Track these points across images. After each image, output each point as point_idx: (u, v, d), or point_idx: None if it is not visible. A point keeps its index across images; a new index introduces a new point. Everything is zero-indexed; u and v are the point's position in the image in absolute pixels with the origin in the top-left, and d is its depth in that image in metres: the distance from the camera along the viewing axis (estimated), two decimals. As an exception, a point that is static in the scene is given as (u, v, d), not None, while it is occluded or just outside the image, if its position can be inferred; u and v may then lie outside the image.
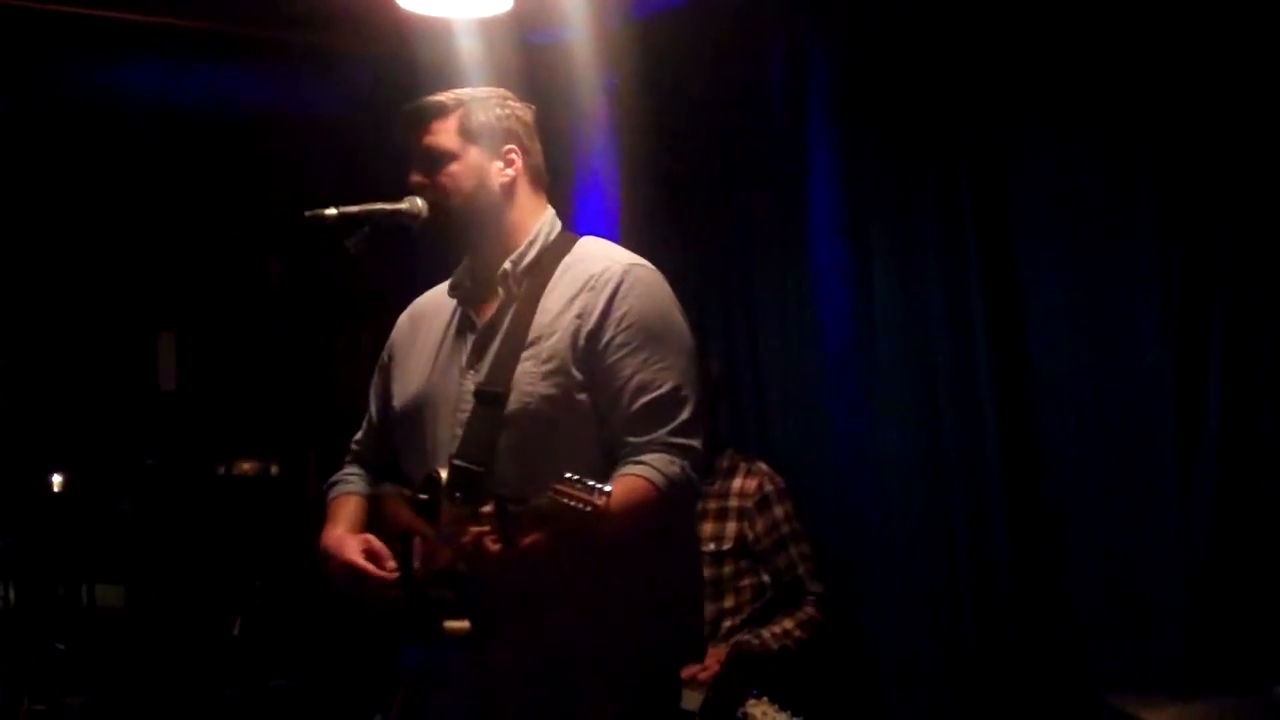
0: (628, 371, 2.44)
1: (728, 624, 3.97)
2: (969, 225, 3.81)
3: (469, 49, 4.04)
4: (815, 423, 4.30)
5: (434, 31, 4.19)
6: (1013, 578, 3.72)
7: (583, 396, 2.46)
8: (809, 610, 3.98)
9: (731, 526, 4.01)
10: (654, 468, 2.37)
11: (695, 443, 2.44)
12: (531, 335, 2.50)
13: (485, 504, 2.25)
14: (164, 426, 7.51)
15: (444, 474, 2.44)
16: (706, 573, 3.94)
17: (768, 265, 4.48)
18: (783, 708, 3.52)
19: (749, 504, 4.01)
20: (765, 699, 3.53)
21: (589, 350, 2.46)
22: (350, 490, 2.73)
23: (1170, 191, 3.34)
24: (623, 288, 2.48)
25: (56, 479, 7.64)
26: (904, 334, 4.00)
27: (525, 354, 2.48)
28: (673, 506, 2.41)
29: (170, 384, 7.78)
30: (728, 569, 4.00)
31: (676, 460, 2.39)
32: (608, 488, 2.10)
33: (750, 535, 4.00)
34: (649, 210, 4.66)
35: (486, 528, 2.24)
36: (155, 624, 6.79)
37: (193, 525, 6.95)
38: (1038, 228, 3.67)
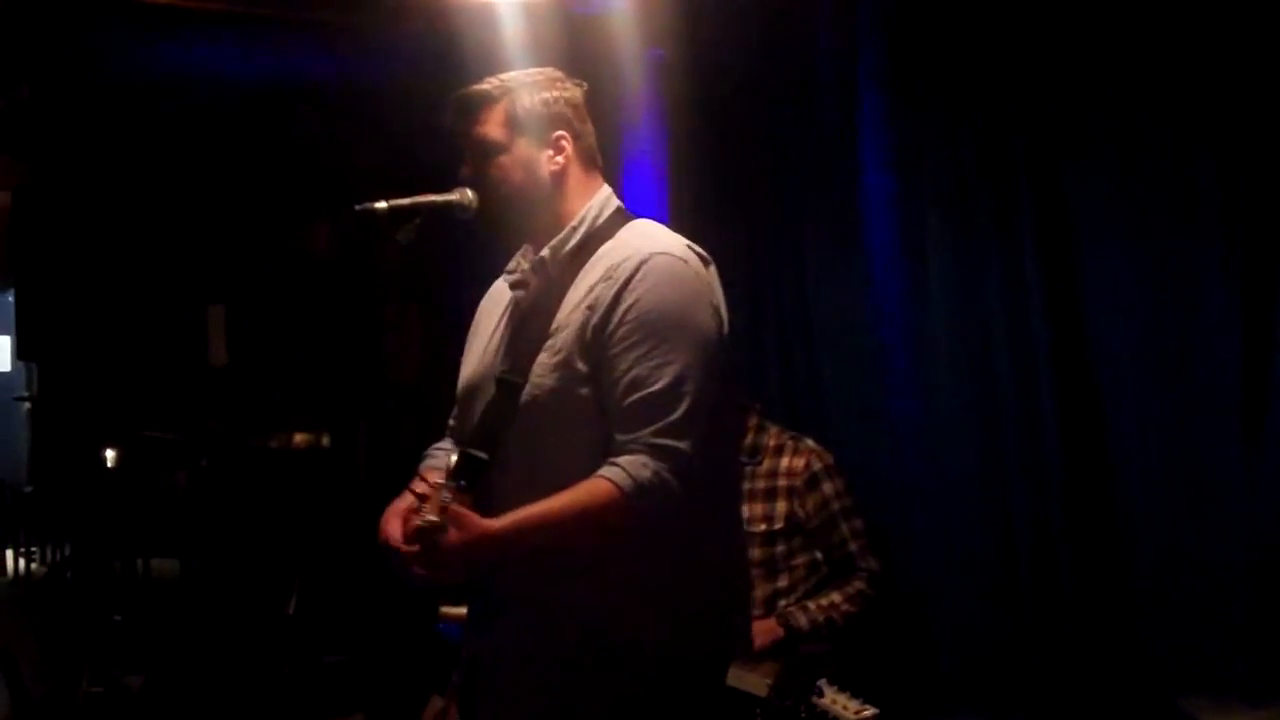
0: (624, 366, 2.35)
1: (783, 603, 3.96)
2: (1026, 197, 3.74)
3: (513, 26, 3.99)
4: (870, 398, 4.26)
5: (478, 8, 4.15)
6: (1073, 556, 3.67)
7: (585, 391, 2.39)
8: (858, 584, 3.95)
9: (781, 505, 3.98)
10: (623, 469, 2.29)
11: (681, 444, 2.30)
12: (554, 325, 2.45)
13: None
14: (215, 400, 7.57)
15: (453, 459, 2.44)
16: (758, 553, 3.93)
17: (820, 239, 4.43)
18: (854, 694, 3.50)
19: (798, 482, 3.98)
20: (835, 686, 3.51)
21: (594, 342, 2.39)
22: (432, 464, 2.70)
23: (1235, 170, 3.25)
24: (635, 278, 2.38)
25: (110, 454, 7.73)
26: (959, 309, 3.94)
27: (546, 345, 2.44)
28: (642, 510, 2.28)
29: (221, 358, 7.83)
30: (780, 548, 3.97)
31: (652, 463, 2.29)
32: (433, 518, 2.21)
33: (801, 514, 3.97)
34: (698, 185, 4.61)
35: (437, 521, 2.29)
36: (210, 598, 6.85)
37: (246, 499, 7.01)
38: (1096, 202, 3.59)
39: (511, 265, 2.66)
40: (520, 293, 2.61)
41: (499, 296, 2.70)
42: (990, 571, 3.90)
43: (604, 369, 2.37)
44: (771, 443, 4.06)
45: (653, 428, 2.30)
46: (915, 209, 4.06)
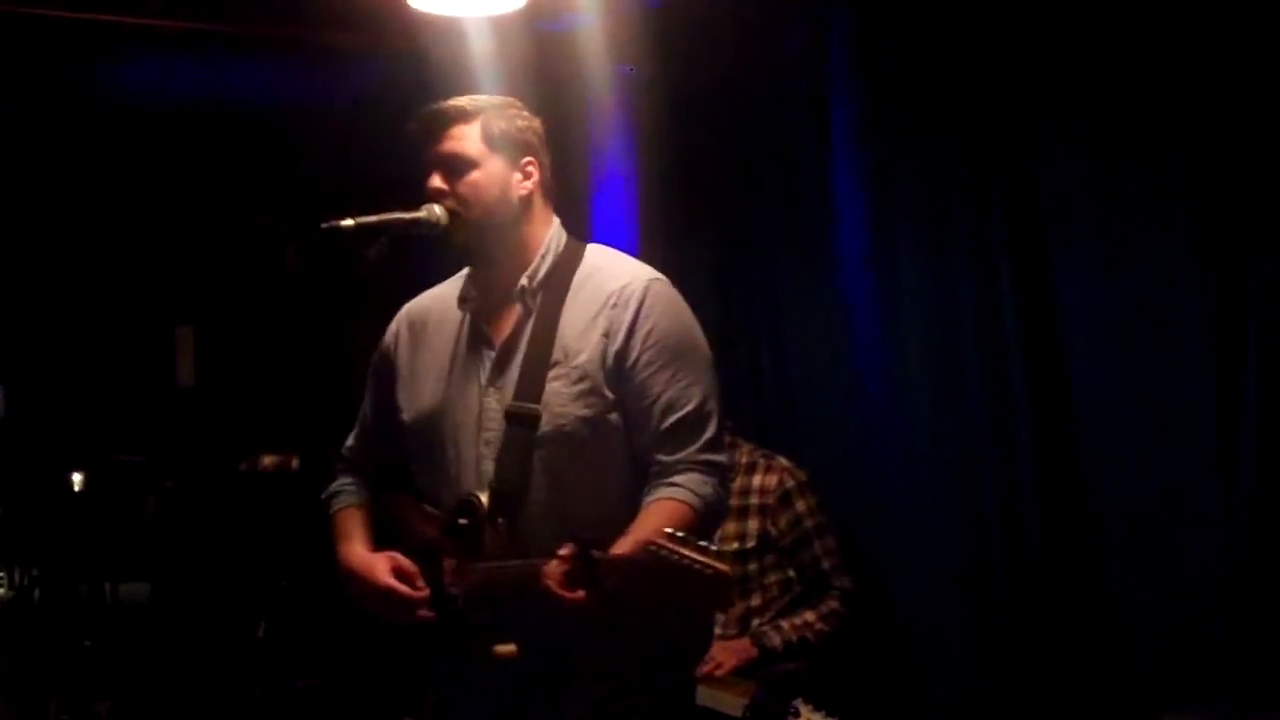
0: (656, 389, 2.45)
1: (756, 622, 3.93)
2: (999, 215, 3.72)
3: (482, 43, 3.97)
4: (843, 417, 4.24)
5: (446, 29, 4.11)
6: (1048, 573, 3.65)
7: (614, 416, 2.47)
8: (831, 604, 3.93)
9: (753, 524, 3.96)
10: (689, 489, 2.39)
11: (723, 458, 2.47)
12: (556, 353, 2.48)
13: (561, 544, 2.24)
14: (183, 422, 7.49)
15: (484, 499, 2.44)
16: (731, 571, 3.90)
17: (791, 257, 4.41)
18: (829, 713, 3.48)
19: (770, 500, 3.96)
20: (810, 705, 3.49)
21: (617, 369, 2.46)
22: (353, 502, 2.71)
23: (1206, 187, 3.23)
24: (645, 304, 2.47)
25: (76, 478, 7.63)
26: (932, 327, 3.92)
27: (553, 373, 2.47)
28: (707, 525, 2.41)
29: (188, 379, 7.75)
30: (753, 566, 3.95)
31: (709, 479, 2.42)
32: (716, 548, 2.08)
33: (773, 532, 3.95)
34: (668, 204, 4.59)
35: (565, 568, 2.22)
36: (181, 622, 6.77)
37: (215, 521, 6.93)
38: (1069, 218, 3.57)
39: (464, 291, 2.63)
40: (481, 320, 2.58)
41: (435, 322, 2.66)
42: (966, 589, 3.87)
43: (633, 394, 2.46)
44: (744, 460, 4.04)
45: (697, 444, 2.43)
46: (886, 225, 4.03)
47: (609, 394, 2.46)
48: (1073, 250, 3.57)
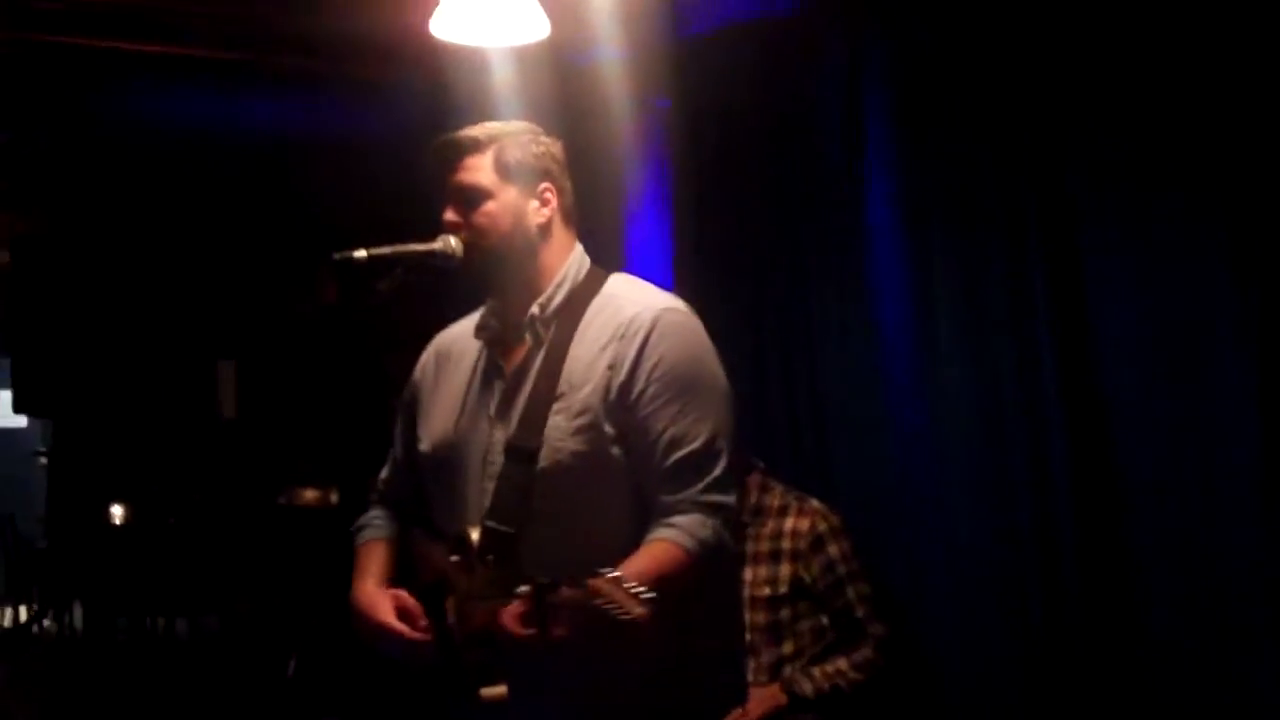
0: (660, 425, 2.34)
1: (788, 670, 3.81)
2: (1036, 250, 3.62)
3: (510, 76, 3.92)
4: (878, 457, 4.12)
5: (476, 60, 4.07)
6: (1087, 619, 3.52)
7: (615, 451, 2.37)
8: (866, 652, 3.80)
9: (785, 569, 3.84)
10: (686, 531, 2.29)
11: (729, 499, 2.35)
12: (561, 386, 2.40)
13: (520, 580, 2.18)
14: (225, 456, 7.50)
15: (475, 535, 2.37)
16: (762, 618, 3.81)
17: (826, 292, 4.31)
18: None
19: (802, 545, 3.84)
20: None
21: (620, 403, 2.37)
22: (377, 536, 2.66)
23: (1244, 211, 3.13)
24: (654, 336, 2.37)
25: (118, 510, 7.66)
26: (969, 363, 3.81)
27: (556, 406, 2.39)
28: (704, 570, 2.30)
29: (231, 413, 7.77)
30: (785, 613, 3.83)
31: (710, 521, 2.31)
32: (649, 593, 2.02)
33: (806, 577, 3.83)
34: (702, 238, 4.52)
35: (520, 609, 2.17)
36: (217, 657, 6.75)
37: (254, 556, 6.91)
38: (1108, 250, 3.47)
39: (482, 321, 2.58)
40: (496, 350, 2.53)
41: (458, 353, 2.62)
42: (1003, 640, 3.74)
43: (637, 429, 2.36)
44: (775, 503, 3.93)
45: (700, 485, 2.32)
46: (923, 260, 3.93)
47: (608, 429, 2.36)
48: (1110, 282, 3.46)
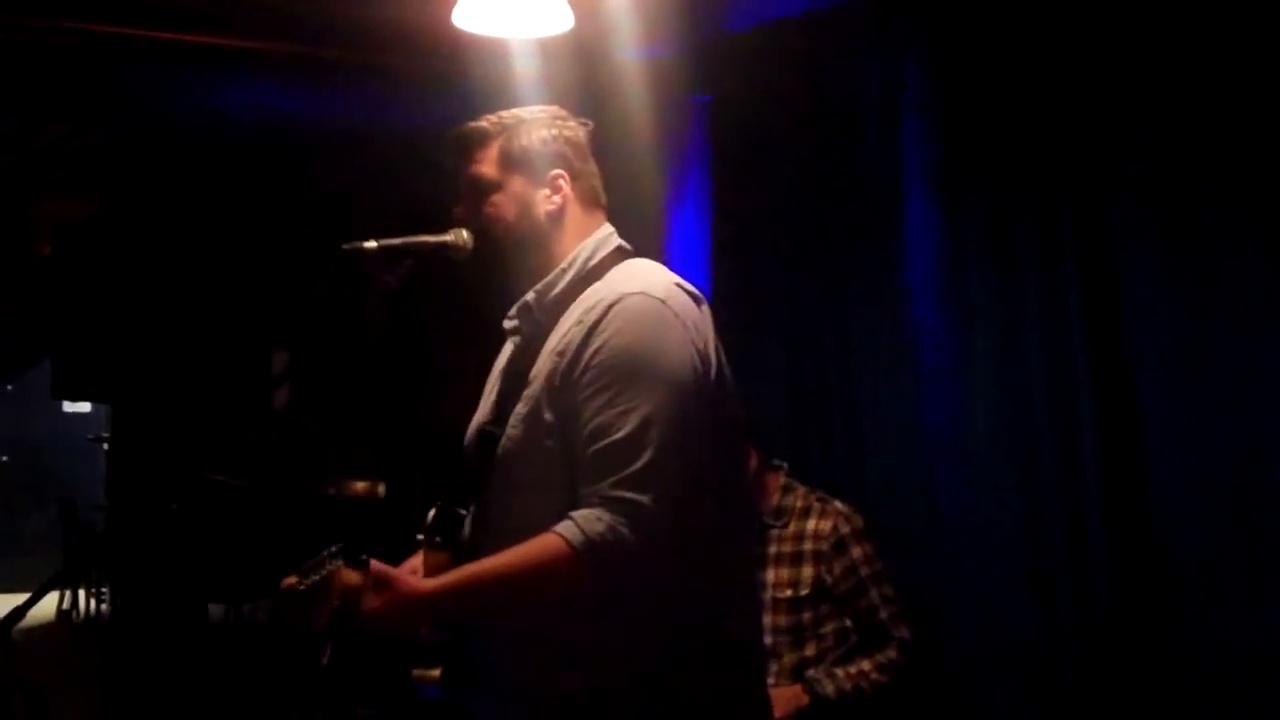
0: (587, 414, 2.21)
1: (811, 673, 3.76)
2: (1071, 252, 3.57)
3: (546, 67, 3.92)
4: (910, 462, 4.07)
5: (526, 48, 4.06)
6: (1115, 631, 3.47)
7: (550, 442, 2.26)
8: (890, 653, 3.74)
9: (808, 570, 3.79)
10: (576, 524, 2.13)
11: (642, 496, 2.13)
12: (531, 373, 2.34)
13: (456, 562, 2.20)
14: (276, 446, 7.54)
15: (430, 515, 2.35)
16: (784, 619, 3.77)
17: (862, 287, 4.27)
18: None
19: (825, 546, 3.79)
20: None
21: (561, 390, 2.27)
22: None
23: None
24: (605, 320, 2.25)
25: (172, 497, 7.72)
26: (1003, 373, 3.78)
27: (523, 394, 2.33)
28: (595, 567, 2.12)
29: (284, 403, 7.81)
30: (807, 615, 3.78)
31: (607, 515, 2.13)
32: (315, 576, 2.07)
33: (829, 579, 3.78)
34: (741, 232, 4.48)
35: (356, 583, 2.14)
36: (250, 646, 6.79)
37: (296, 545, 6.93)
38: (1143, 258, 3.42)
39: (512, 311, 2.53)
40: (516, 340, 2.50)
41: (507, 344, 2.60)
42: (1031, 652, 3.68)
43: (569, 417, 2.23)
44: (799, 504, 3.88)
45: (611, 479, 2.15)
46: (958, 267, 3.90)
47: (548, 416, 2.26)
48: (1145, 289, 3.41)
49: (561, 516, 2.17)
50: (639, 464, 2.15)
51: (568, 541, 2.12)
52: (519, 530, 2.20)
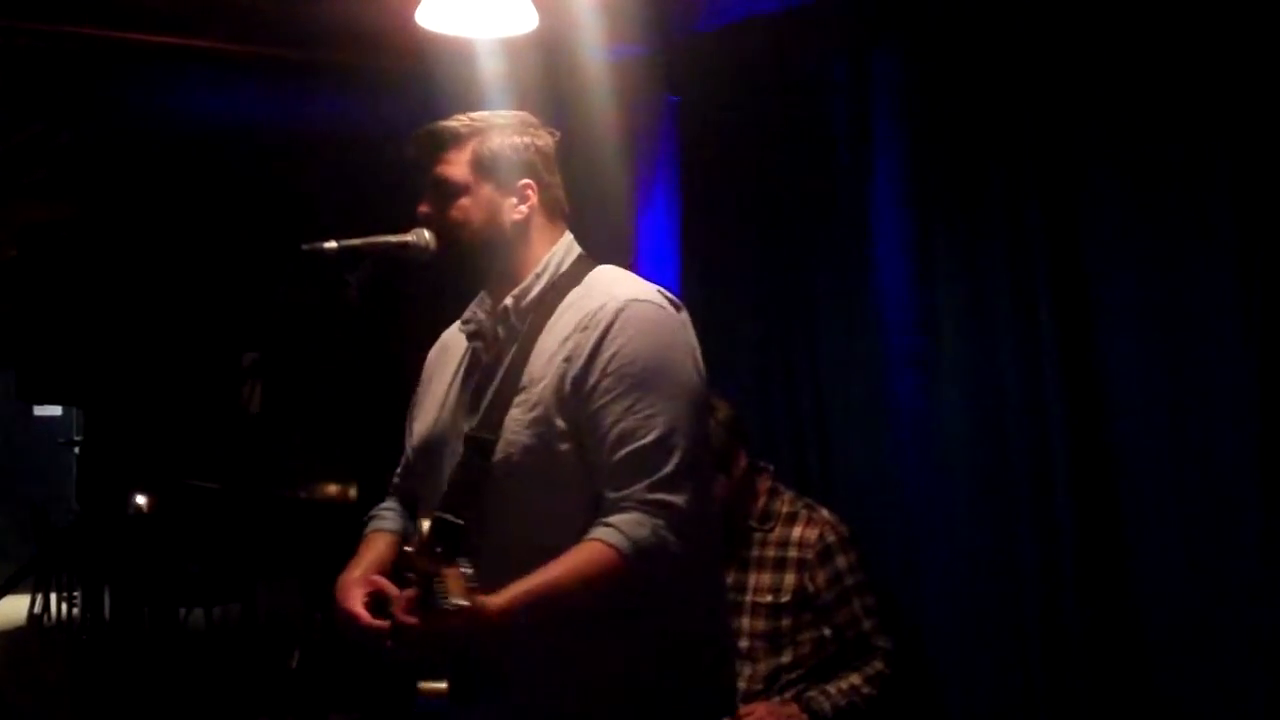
0: (610, 419, 2.26)
1: (785, 679, 3.74)
2: (1040, 248, 3.54)
3: (514, 68, 3.88)
4: (881, 463, 4.04)
5: (491, 52, 4.02)
6: (1086, 637, 3.44)
7: (565, 447, 2.30)
8: (877, 665, 3.72)
9: (790, 578, 3.76)
10: (619, 530, 2.19)
11: (677, 498, 2.22)
12: (524, 379, 2.35)
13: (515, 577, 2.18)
14: (249, 450, 7.49)
15: (425, 526, 2.32)
16: (762, 625, 3.75)
17: (831, 287, 4.24)
18: None
19: (810, 554, 3.76)
20: None
21: (573, 396, 2.30)
22: (381, 527, 2.63)
23: (1247, 198, 3.05)
24: (614, 328, 2.30)
25: (141, 500, 7.69)
26: (974, 379, 3.73)
27: (517, 399, 2.34)
28: (642, 572, 2.20)
29: (256, 406, 7.76)
30: (786, 622, 3.75)
31: (649, 520, 2.20)
32: (462, 602, 2.03)
33: (811, 588, 3.75)
34: (710, 233, 4.46)
35: (410, 595, 2.18)
36: (234, 648, 6.75)
37: (271, 549, 6.91)
38: (1112, 248, 3.39)
39: (468, 315, 2.55)
40: (478, 344, 2.50)
41: (453, 347, 2.61)
42: (1004, 652, 3.66)
43: (588, 424, 2.28)
44: (785, 509, 3.85)
45: (646, 483, 2.22)
46: (928, 258, 3.86)
47: (559, 423, 2.29)
48: (1113, 277, 3.39)
49: (578, 518, 2.25)
50: (670, 467, 2.23)
51: (615, 549, 2.18)
52: (535, 533, 2.27)
